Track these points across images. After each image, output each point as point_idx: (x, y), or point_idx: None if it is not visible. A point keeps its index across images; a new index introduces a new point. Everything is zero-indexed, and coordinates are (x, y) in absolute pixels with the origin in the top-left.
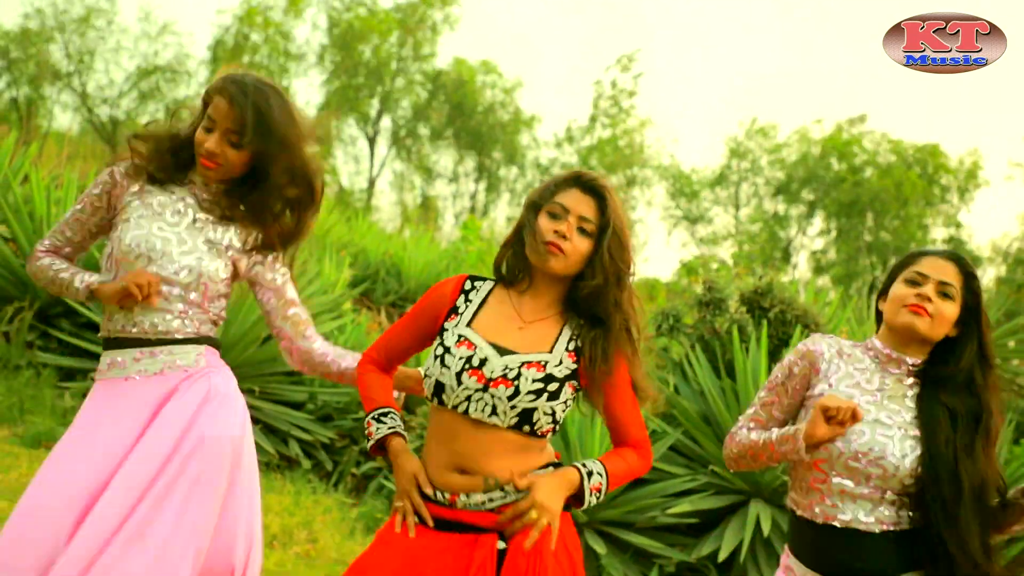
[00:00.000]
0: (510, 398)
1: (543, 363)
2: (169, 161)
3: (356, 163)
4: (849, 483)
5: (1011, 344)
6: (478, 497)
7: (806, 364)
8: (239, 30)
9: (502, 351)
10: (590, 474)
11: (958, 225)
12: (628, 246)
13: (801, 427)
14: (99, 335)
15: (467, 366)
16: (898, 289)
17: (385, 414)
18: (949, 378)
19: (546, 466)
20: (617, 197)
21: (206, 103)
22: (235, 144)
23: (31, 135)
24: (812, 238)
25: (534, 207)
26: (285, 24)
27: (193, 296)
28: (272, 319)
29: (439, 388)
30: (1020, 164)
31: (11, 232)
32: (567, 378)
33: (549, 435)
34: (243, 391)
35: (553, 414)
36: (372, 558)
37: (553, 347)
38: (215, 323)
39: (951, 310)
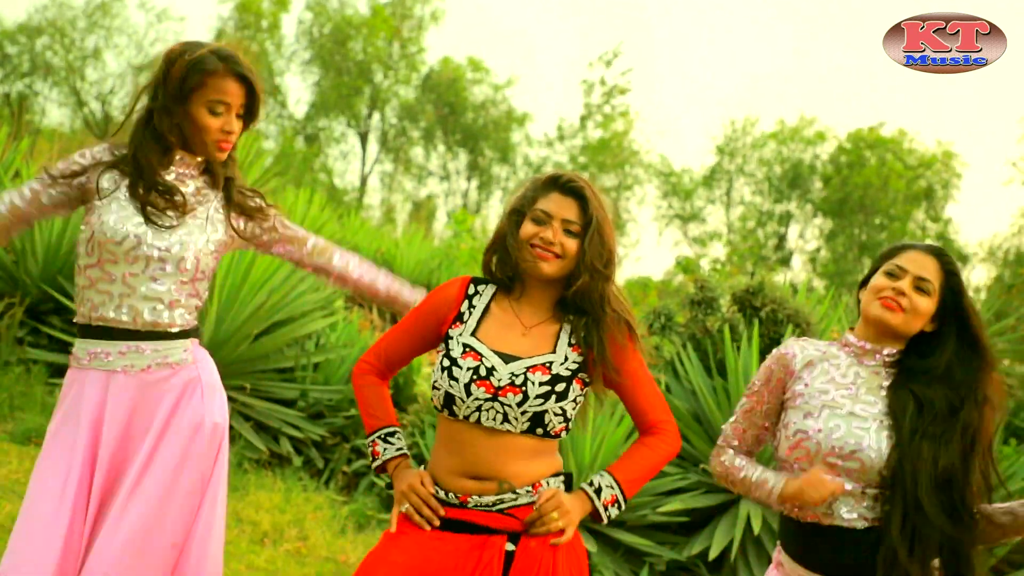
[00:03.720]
0: (519, 404)
1: (548, 364)
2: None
3: (346, 160)
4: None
5: (1000, 344)
6: (490, 498)
7: (780, 368)
8: (240, 20)
9: (507, 358)
10: (598, 491)
11: (946, 221)
12: (610, 240)
13: (779, 485)
14: (75, 320)
15: (475, 377)
16: (877, 280)
17: (391, 434)
18: (925, 371)
19: (557, 474)
20: (597, 193)
21: (189, 85)
22: (243, 117)
23: (22, 130)
24: (807, 240)
25: (517, 214)
26: (273, 18)
27: (185, 273)
28: (298, 261)
29: (449, 400)
30: (1014, 164)
31: None
32: (574, 374)
33: (562, 434)
34: (234, 388)
35: (564, 413)
36: (380, 557)
37: (556, 346)
38: (197, 308)
39: (926, 305)
